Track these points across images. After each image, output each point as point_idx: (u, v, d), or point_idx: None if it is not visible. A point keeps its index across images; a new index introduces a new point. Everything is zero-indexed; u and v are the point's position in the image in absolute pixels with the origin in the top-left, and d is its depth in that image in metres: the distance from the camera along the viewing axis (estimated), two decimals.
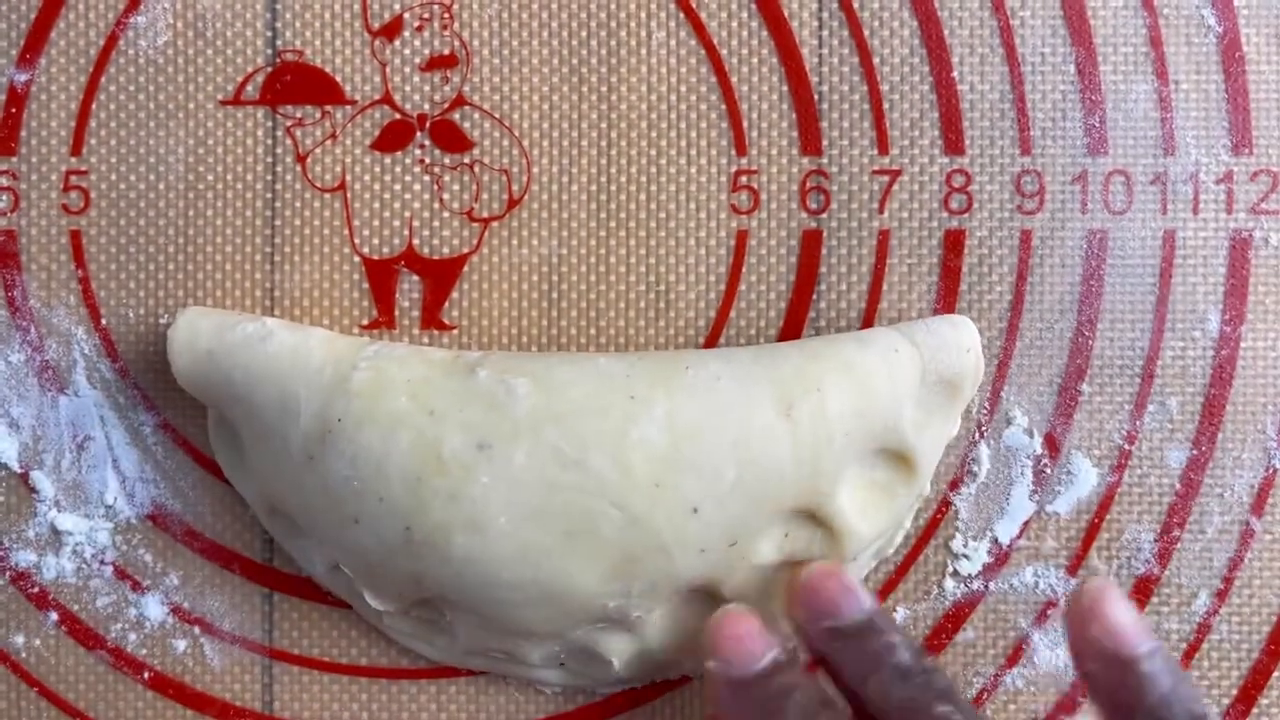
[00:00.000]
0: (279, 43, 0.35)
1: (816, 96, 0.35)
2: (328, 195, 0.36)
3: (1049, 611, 0.36)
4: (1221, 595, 0.36)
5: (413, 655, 0.36)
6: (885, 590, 0.36)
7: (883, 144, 0.35)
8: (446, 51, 0.35)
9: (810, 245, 0.36)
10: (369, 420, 0.31)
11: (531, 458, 0.30)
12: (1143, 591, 0.36)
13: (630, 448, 0.31)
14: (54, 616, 0.36)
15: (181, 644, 0.36)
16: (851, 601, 0.31)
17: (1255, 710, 0.36)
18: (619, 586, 0.31)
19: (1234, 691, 0.36)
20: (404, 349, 0.33)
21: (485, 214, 0.36)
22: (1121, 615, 0.29)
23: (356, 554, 0.32)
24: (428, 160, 0.36)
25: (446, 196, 0.36)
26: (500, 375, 0.32)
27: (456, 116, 0.36)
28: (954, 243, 0.36)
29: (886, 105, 0.35)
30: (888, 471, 0.33)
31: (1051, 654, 0.36)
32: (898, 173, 0.35)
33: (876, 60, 0.35)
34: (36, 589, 0.36)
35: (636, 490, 0.30)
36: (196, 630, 0.36)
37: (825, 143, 0.35)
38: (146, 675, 0.36)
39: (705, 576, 0.32)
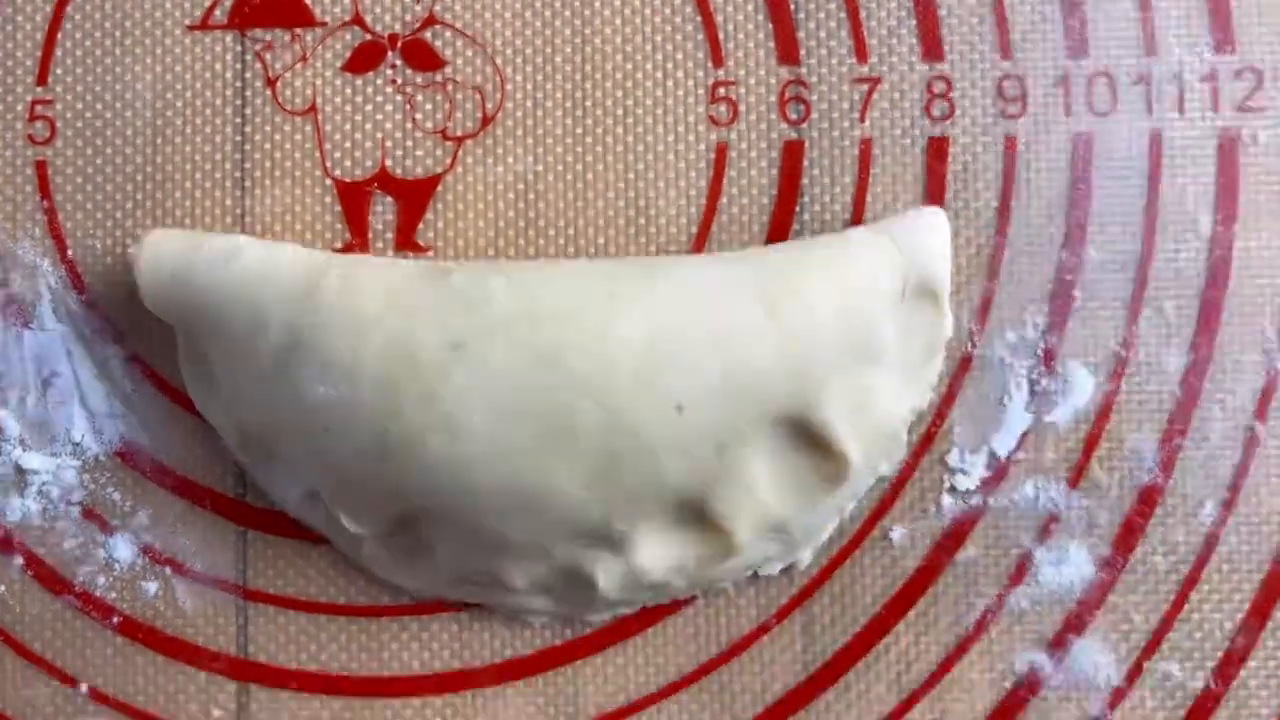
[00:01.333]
0: None
1: (793, 5, 0.35)
2: (298, 119, 0.35)
3: (1051, 527, 0.34)
4: (1229, 505, 0.34)
5: (394, 593, 0.35)
6: (880, 509, 0.35)
7: (861, 51, 0.35)
8: None
9: (791, 156, 0.35)
10: (339, 325, 0.30)
11: (507, 356, 0.29)
12: (1147, 502, 0.34)
13: (609, 344, 0.30)
14: (19, 561, 0.35)
15: (152, 586, 0.35)
16: None
17: (1270, 624, 0.34)
18: (601, 492, 0.30)
19: (1246, 605, 0.34)
20: (377, 258, 0.32)
21: (459, 132, 0.35)
22: None
23: (329, 469, 0.31)
24: (399, 80, 0.35)
25: (419, 116, 0.35)
26: (475, 278, 0.31)
27: (428, 35, 0.35)
28: (937, 150, 0.35)
29: (864, 13, 0.35)
30: (875, 378, 0.32)
31: (1055, 571, 0.34)
32: (877, 80, 0.35)
33: None
34: (1, 533, 0.35)
35: (616, 386, 0.29)
36: (168, 571, 0.35)
37: (803, 52, 0.35)
38: (116, 620, 0.35)
39: (692, 488, 0.31)
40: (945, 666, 0.34)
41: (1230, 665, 0.34)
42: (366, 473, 0.30)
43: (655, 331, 0.30)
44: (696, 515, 0.32)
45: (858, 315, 0.31)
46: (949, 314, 0.33)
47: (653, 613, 0.35)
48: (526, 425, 0.29)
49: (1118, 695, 0.34)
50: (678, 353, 0.30)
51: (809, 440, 0.32)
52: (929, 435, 0.35)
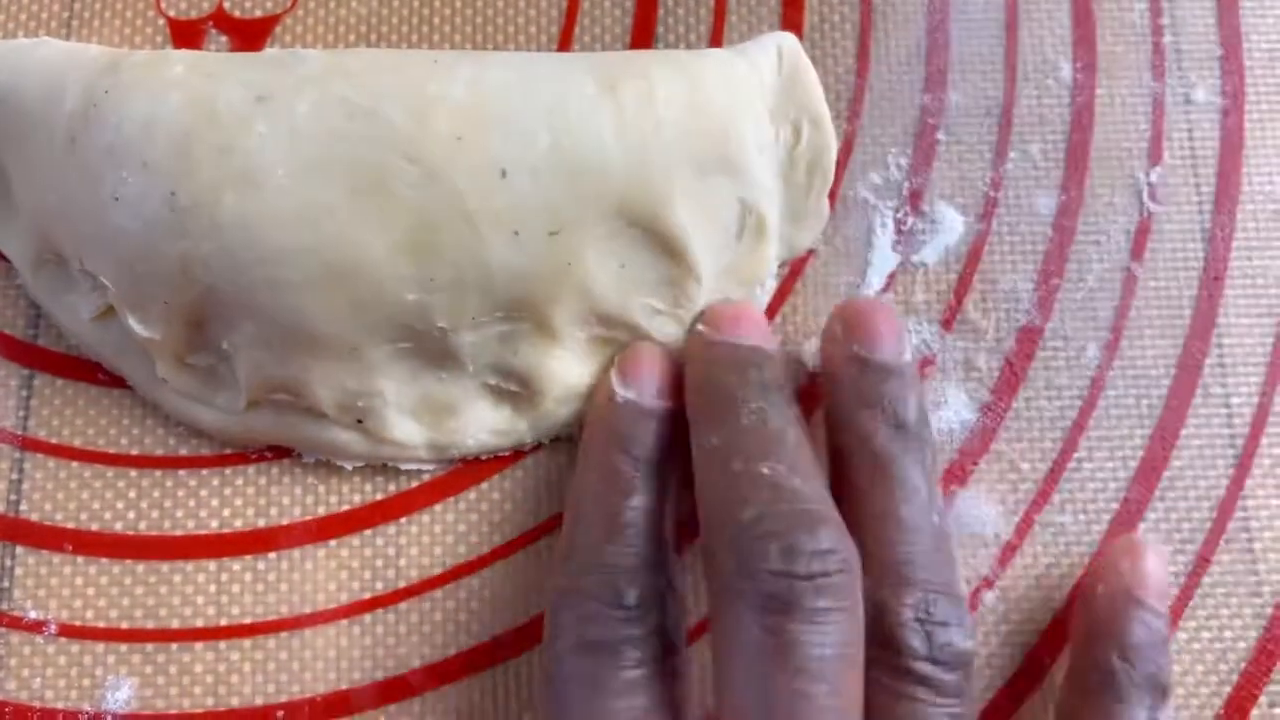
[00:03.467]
0: None
1: None
2: None
3: (925, 369, 0.32)
4: (1111, 348, 0.32)
5: (193, 444, 0.31)
6: None
7: None
8: None
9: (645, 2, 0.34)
10: (139, 87, 0.28)
11: (317, 107, 0.27)
12: (1027, 343, 0.32)
13: (428, 100, 0.27)
14: None
15: None
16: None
17: (1166, 474, 0.31)
18: (417, 269, 0.27)
19: (1139, 455, 0.31)
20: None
21: None
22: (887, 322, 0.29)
23: (117, 251, 0.28)
24: None
25: None
26: (290, 51, 0.29)
27: None
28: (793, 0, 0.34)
29: None
30: (729, 194, 0.30)
31: (933, 416, 0.31)
32: None
33: None
34: None
35: (434, 142, 0.27)
36: None
37: None
38: None
39: (524, 281, 0.28)
40: None
41: (1125, 518, 0.31)
42: (154, 246, 0.27)
43: (479, 92, 0.28)
44: (535, 328, 0.29)
45: (707, 117, 0.29)
46: (831, 132, 0.31)
47: (486, 465, 0.31)
48: (334, 182, 0.27)
49: (1008, 550, 0.31)
50: (502, 114, 0.27)
51: (657, 253, 0.30)
52: (794, 273, 0.32)
